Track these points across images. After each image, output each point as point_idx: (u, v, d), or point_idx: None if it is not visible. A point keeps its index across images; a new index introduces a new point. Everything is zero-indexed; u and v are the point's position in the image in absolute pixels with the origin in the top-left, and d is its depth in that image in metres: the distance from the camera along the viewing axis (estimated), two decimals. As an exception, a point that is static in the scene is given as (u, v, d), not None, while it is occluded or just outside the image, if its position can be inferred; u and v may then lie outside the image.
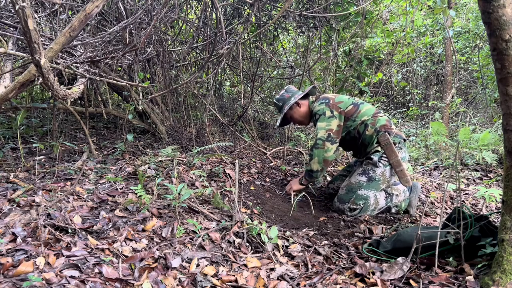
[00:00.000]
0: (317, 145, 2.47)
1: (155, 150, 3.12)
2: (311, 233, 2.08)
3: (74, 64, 2.25)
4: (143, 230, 1.72)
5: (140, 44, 2.27)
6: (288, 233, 1.99)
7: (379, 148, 2.49)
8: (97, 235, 1.62)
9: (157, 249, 1.56)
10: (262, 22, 3.37)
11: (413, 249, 1.55)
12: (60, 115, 3.55)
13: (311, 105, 2.67)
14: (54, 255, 1.40)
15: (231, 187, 2.43)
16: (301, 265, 1.66)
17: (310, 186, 2.97)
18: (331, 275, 1.54)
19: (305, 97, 2.75)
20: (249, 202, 2.36)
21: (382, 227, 2.21)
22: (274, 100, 2.76)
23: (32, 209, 1.75)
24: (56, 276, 1.27)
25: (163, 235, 1.70)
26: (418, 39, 5.38)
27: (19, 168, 2.39)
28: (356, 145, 2.59)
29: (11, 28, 2.33)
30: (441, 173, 3.67)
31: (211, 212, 2.02)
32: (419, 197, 2.71)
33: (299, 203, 2.58)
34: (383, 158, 2.46)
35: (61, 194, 1.98)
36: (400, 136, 2.50)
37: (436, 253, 1.51)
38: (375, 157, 2.47)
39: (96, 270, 1.35)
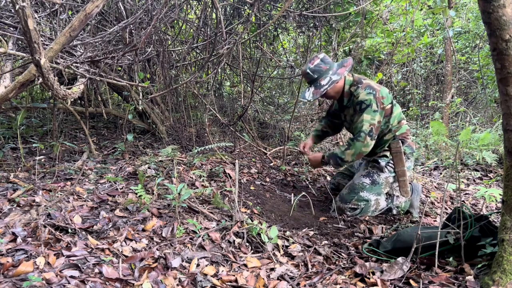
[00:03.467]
0: (359, 138, 2.32)
1: (155, 150, 3.12)
2: (311, 233, 2.08)
3: (74, 64, 2.25)
4: (143, 230, 1.72)
5: (140, 44, 2.27)
6: (288, 233, 2.00)
7: (387, 153, 2.48)
8: (97, 235, 1.62)
9: (157, 249, 1.56)
10: (262, 22, 3.37)
11: (413, 249, 1.56)
12: (60, 115, 3.55)
13: (352, 87, 2.44)
14: (54, 255, 1.40)
15: (231, 187, 2.43)
16: (301, 265, 1.66)
17: (310, 186, 2.97)
18: (331, 275, 1.54)
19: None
20: (249, 202, 2.36)
21: (382, 227, 2.21)
22: (308, 70, 2.35)
23: (32, 209, 1.75)
24: (56, 276, 1.27)
25: (163, 235, 1.71)
26: (418, 39, 5.38)
27: (19, 168, 2.39)
28: None
29: (11, 28, 2.33)
30: (441, 173, 3.67)
31: (211, 212, 2.02)
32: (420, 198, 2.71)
33: (299, 203, 2.58)
34: (390, 165, 2.46)
35: (61, 194, 1.98)
36: (412, 147, 2.49)
37: (436, 253, 1.51)
38: (382, 162, 2.46)
39: (96, 270, 1.35)
